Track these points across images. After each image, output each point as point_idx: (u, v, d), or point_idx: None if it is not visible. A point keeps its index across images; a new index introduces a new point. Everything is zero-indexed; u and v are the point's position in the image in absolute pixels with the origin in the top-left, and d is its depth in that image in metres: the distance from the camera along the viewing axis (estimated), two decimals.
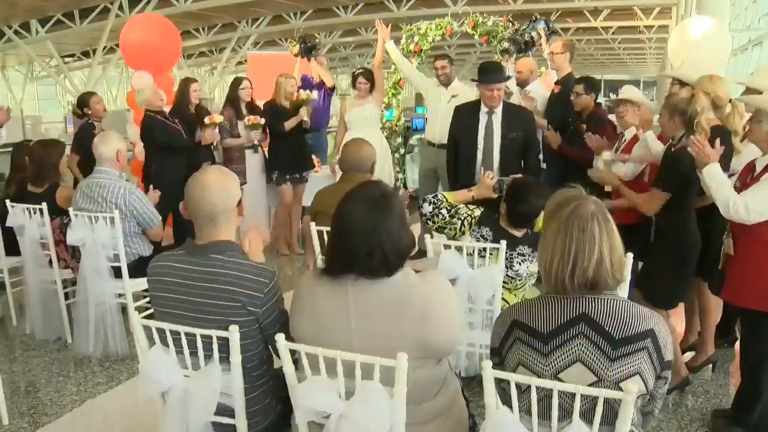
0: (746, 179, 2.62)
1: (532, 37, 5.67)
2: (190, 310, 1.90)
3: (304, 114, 5.46)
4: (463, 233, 3.03)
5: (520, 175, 3.47)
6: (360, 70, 5.75)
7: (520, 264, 2.94)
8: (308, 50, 6.40)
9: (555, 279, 1.59)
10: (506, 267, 2.86)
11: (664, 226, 3.06)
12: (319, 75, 6.33)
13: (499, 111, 3.95)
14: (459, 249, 2.83)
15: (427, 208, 3.11)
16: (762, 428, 2.65)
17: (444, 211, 3.11)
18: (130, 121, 6.31)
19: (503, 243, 2.80)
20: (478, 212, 3.06)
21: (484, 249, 2.79)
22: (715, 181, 2.57)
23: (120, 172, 3.67)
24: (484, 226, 2.99)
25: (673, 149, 3.06)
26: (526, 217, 2.93)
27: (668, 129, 3.15)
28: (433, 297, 1.69)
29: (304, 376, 1.67)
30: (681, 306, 3.51)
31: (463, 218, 3.06)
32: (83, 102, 5.33)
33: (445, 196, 3.19)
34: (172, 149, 4.87)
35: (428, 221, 3.14)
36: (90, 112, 5.26)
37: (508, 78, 4.15)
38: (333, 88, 6.52)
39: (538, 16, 5.87)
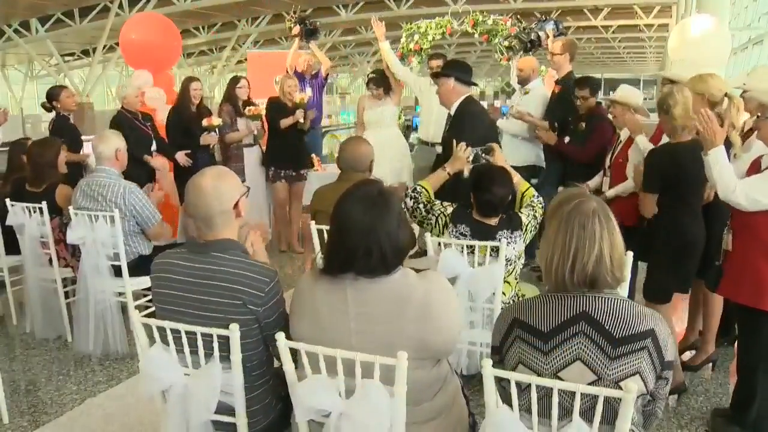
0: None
1: (538, 37, 5.66)
2: (192, 307, 1.90)
3: (299, 116, 5.45)
4: (441, 233, 3.03)
5: (493, 144, 3.37)
6: (371, 75, 5.72)
7: (506, 249, 2.93)
8: (310, 33, 6.35)
9: (555, 275, 1.59)
10: (495, 258, 2.86)
11: (659, 223, 3.07)
12: (309, 68, 6.31)
13: (452, 113, 3.81)
14: (460, 248, 2.83)
15: (409, 203, 3.13)
16: (760, 426, 2.65)
17: (421, 206, 3.12)
18: None
19: (503, 241, 2.80)
20: (450, 209, 3.05)
21: (485, 247, 2.79)
22: (719, 164, 2.56)
23: (119, 171, 3.67)
24: (459, 223, 2.98)
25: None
26: (491, 206, 2.94)
27: (668, 130, 3.15)
28: (432, 297, 1.69)
29: (304, 375, 1.67)
30: (682, 305, 3.51)
31: (437, 215, 3.05)
32: (53, 95, 5.10)
33: (423, 187, 3.18)
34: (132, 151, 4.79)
35: (411, 215, 3.15)
36: (59, 106, 5.06)
37: (469, 83, 3.87)
38: (327, 76, 6.53)
39: (546, 17, 5.87)
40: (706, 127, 2.58)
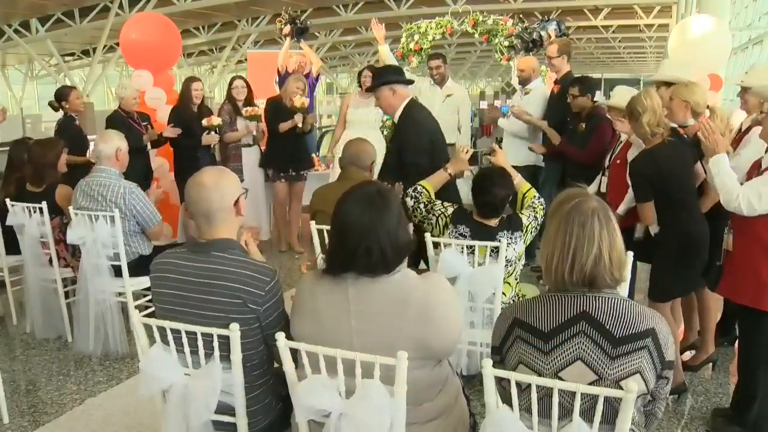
0: (753, 177, 2.62)
1: (540, 36, 5.65)
2: (192, 306, 1.90)
3: (298, 120, 5.44)
4: (441, 233, 3.02)
5: (495, 145, 3.40)
6: (365, 68, 5.72)
7: (506, 250, 2.93)
8: (300, 32, 6.36)
9: (555, 275, 1.59)
10: (494, 258, 2.86)
11: (660, 225, 3.07)
12: (301, 68, 6.32)
13: (395, 120, 3.64)
14: (460, 248, 2.83)
15: (409, 202, 3.13)
16: (760, 426, 2.66)
17: (422, 206, 3.11)
18: None
19: (503, 241, 2.80)
20: (450, 210, 3.05)
21: (485, 248, 2.79)
22: (721, 172, 2.56)
23: (120, 171, 3.66)
24: (459, 224, 2.98)
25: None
26: (492, 207, 2.95)
27: (639, 136, 3.15)
28: (433, 297, 1.70)
29: (304, 375, 1.67)
30: (677, 305, 3.50)
31: (437, 215, 3.04)
32: (62, 95, 5.08)
33: (424, 187, 3.17)
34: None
35: (411, 215, 3.14)
36: (68, 107, 5.05)
37: (407, 81, 3.67)
38: (318, 76, 6.54)
39: (548, 17, 5.87)
40: (709, 137, 2.58)
